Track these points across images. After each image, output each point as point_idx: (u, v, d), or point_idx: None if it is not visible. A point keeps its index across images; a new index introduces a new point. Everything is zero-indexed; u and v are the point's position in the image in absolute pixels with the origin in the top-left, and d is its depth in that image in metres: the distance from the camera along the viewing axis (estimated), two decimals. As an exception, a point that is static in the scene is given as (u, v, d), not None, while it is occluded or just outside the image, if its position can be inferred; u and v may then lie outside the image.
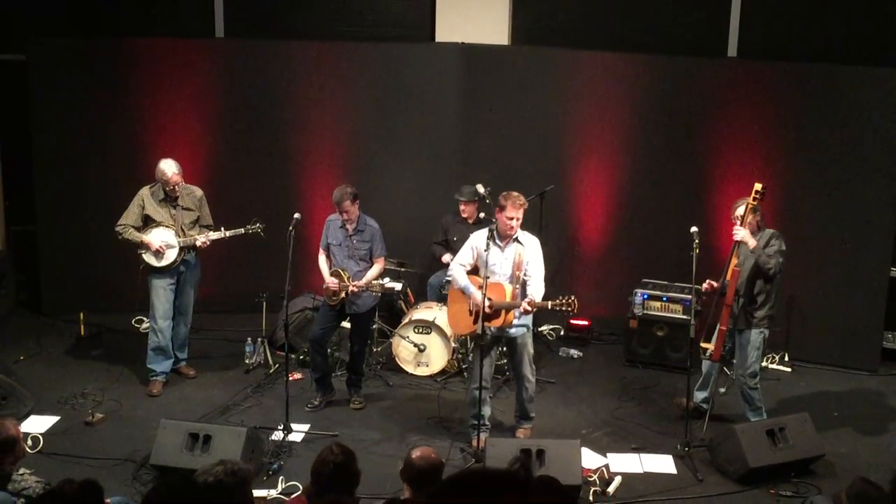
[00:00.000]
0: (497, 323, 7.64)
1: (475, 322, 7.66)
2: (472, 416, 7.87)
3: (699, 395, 8.33)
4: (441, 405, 8.65)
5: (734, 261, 7.79)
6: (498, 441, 7.45)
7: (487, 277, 7.57)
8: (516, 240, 7.72)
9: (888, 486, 5.15)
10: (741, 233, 7.74)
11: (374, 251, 8.40)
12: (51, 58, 10.31)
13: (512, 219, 7.62)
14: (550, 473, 6.77)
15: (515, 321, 7.67)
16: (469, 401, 7.99)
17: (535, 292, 7.57)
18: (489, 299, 7.52)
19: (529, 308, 7.49)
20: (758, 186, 7.75)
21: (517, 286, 7.67)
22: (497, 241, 7.74)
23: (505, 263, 7.72)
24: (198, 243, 8.67)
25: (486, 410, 7.97)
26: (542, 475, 5.23)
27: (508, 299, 7.61)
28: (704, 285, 8.06)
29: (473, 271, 7.89)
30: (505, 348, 8.33)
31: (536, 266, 7.71)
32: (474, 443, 7.73)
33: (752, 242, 7.76)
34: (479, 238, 7.81)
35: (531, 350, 7.99)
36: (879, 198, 9.44)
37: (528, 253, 7.71)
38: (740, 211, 7.84)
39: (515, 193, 7.69)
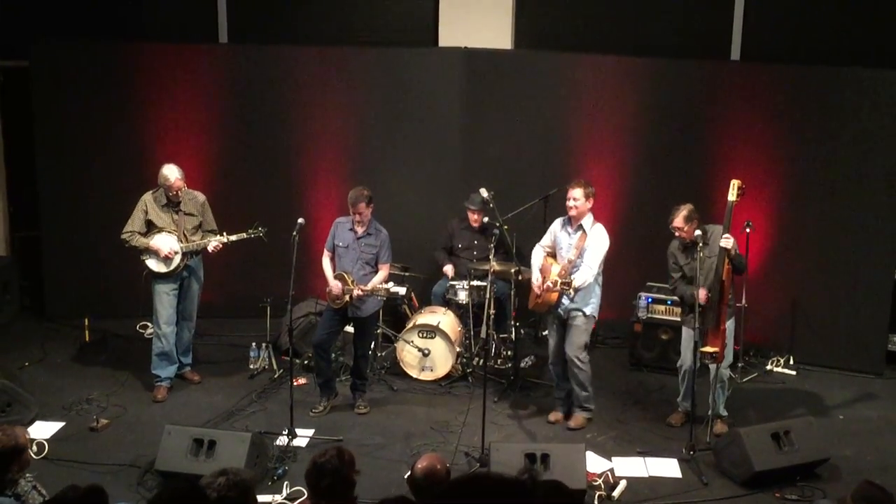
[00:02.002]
0: (543, 299, 8.21)
1: (536, 299, 8.32)
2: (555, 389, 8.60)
3: (686, 405, 8.33)
4: (446, 409, 8.67)
5: (726, 262, 7.80)
6: (502, 445, 7.44)
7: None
8: (582, 226, 8.12)
9: None
10: (731, 241, 7.76)
11: (381, 257, 8.42)
12: (54, 63, 10.34)
13: (569, 199, 8.12)
14: (555, 477, 6.78)
15: (569, 303, 8.15)
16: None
17: (575, 277, 7.97)
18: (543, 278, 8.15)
19: (551, 286, 7.96)
20: (737, 182, 7.87)
21: (572, 269, 8.07)
22: (567, 226, 8.22)
23: (570, 247, 8.17)
24: (210, 248, 8.69)
25: (567, 385, 8.45)
26: (549, 479, 5.19)
27: (554, 277, 8.04)
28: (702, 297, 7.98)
29: (554, 254, 8.39)
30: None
31: (590, 255, 8.09)
32: (551, 417, 8.49)
33: (734, 249, 7.81)
34: (557, 222, 8.38)
35: (582, 336, 8.25)
36: (884, 200, 9.43)
37: (589, 241, 8.10)
38: (679, 222, 7.97)
39: (582, 180, 8.23)
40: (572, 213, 8.14)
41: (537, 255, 8.42)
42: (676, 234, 8.04)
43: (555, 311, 8.28)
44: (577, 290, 7.97)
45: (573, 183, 8.20)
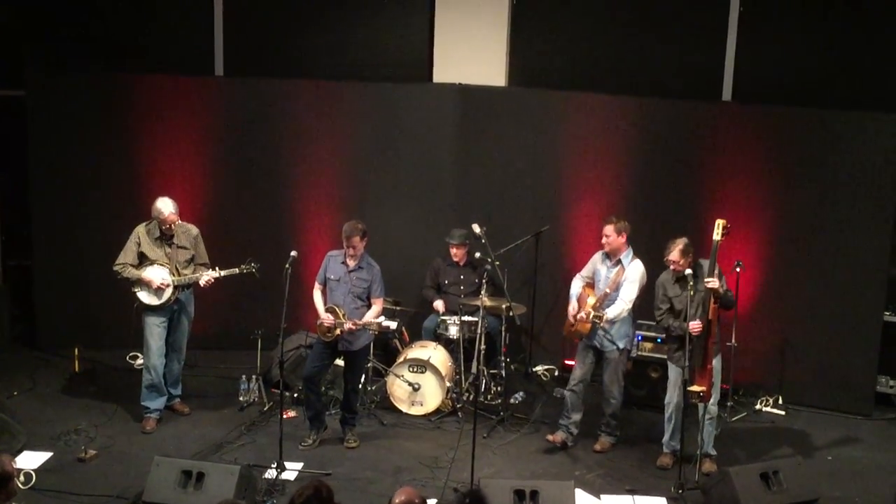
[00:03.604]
0: (577, 328, 8.51)
1: (570, 327, 8.60)
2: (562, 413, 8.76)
3: (673, 444, 8.33)
4: (435, 444, 8.66)
5: (712, 301, 7.84)
6: (491, 481, 7.43)
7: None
8: (620, 261, 8.45)
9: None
10: (717, 282, 7.81)
11: (373, 292, 8.44)
12: (50, 93, 10.37)
13: (602, 235, 8.47)
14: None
15: (603, 336, 8.46)
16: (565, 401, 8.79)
17: (608, 310, 8.31)
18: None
19: (584, 316, 8.32)
20: (722, 221, 7.95)
21: (606, 301, 8.40)
22: (607, 260, 8.55)
23: (607, 280, 8.51)
24: (202, 283, 8.70)
25: (577, 416, 8.70)
26: None
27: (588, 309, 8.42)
28: (696, 328, 8.03)
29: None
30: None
31: (625, 289, 8.41)
32: (549, 437, 8.68)
33: (721, 288, 7.87)
34: (598, 255, 8.68)
35: (620, 368, 8.62)
36: (872, 242, 9.48)
37: (626, 275, 8.41)
38: (675, 255, 8.04)
39: (613, 217, 8.54)
40: (606, 248, 8.52)
41: (576, 284, 8.76)
42: (671, 266, 8.11)
43: (588, 341, 8.56)
44: (610, 323, 8.37)
45: (606, 219, 8.53)
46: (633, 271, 8.45)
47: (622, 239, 8.45)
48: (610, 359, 8.56)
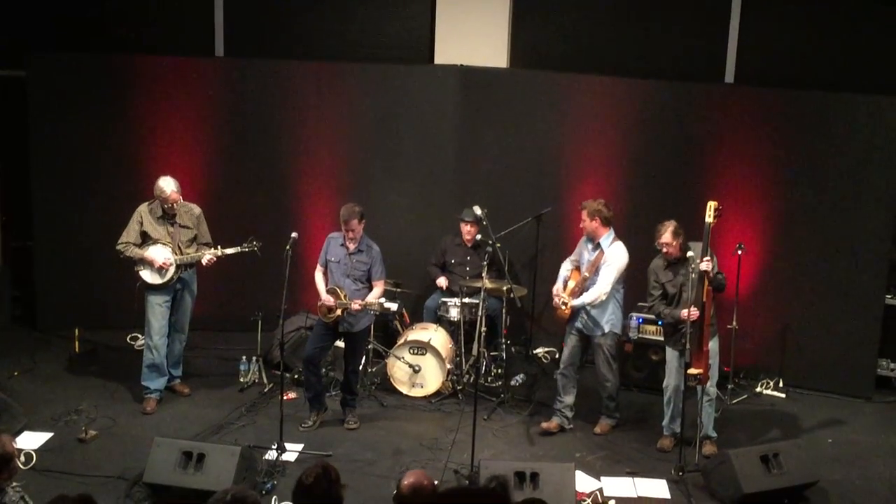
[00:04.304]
0: (559, 312, 8.57)
1: (555, 309, 8.65)
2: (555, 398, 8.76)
3: (673, 427, 8.34)
4: (435, 426, 8.67)
5: (706, 284, 7.84)
6: (491, 463, 7.45)
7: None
8: (600, 245, 8.45)
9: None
10: (709, 264, 7.81)
11: (374, 274, 8.43)
12: (51, 74, 10.35)
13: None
14: (544, 497, 6.79)
15: (586, 319, 8.50)
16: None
17: (584, 295, 8.41)
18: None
19: (556, 299, 8.45)
20: (714, 203, 7.90)
21: (585, 285, 8.47)
22: (589, 244, 8.57)
23: (587, 263, 8.54)
24: (204, 261, 8.71)
25: (569, 399, 8.70)
26: (530, 498, 5.18)
27: (565, 293, 8.55)
28: (690, 314, 7.98)
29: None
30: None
31: (603, 273, 8.41)
32: (543, 424, 8.63)
33: (713, 271, 7.86)
34: (584, 237, 8.69)
35: (608, 351, 8.58)
36: (875, 225, 9.47)
37: (605, 258, 8.42)
38: (668, 238, 8.06)
39: (589, 200, 8.54)
40: (584, 232, 8.51)
41: (564, 267, 8.81)
42: (664, 250, 8.13)
43: (573, 324, 8.59)
44: (591, 307, 8.40)
45: (582, 204, 8.54)
46: (612, 255, 8.42)
47: (595, 223, 8.43)
48: (596, 343, 8.58)
